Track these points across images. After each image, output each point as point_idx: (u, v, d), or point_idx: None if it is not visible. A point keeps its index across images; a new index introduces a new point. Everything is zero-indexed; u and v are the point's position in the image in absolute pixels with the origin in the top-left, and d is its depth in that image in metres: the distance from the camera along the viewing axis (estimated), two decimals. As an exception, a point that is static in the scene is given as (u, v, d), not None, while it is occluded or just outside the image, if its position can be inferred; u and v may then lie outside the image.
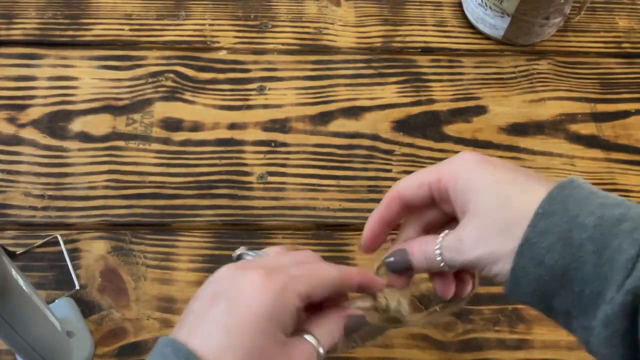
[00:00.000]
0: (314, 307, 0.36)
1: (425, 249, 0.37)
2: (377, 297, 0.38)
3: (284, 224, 0.55)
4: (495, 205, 0.34)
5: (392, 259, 0.38)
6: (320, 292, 0.35)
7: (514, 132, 0.61)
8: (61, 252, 0.52)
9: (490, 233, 0.34)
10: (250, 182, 0.56)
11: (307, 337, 0.34)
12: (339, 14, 0.68)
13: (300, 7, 0.68)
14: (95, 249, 0.52)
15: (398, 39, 0.67)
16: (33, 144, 0.57)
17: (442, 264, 0.37)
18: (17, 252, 0.51)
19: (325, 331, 0.35)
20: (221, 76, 0.63)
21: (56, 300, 0.49)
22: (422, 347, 0.49)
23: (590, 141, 0.61)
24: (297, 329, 0.35)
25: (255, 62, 0.64)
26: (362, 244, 0.41)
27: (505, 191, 0.34)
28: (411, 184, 0.38)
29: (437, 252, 0.36)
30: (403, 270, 0.38)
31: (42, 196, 0.55)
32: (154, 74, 0.62)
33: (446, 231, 0.37)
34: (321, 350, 0.34)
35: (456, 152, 0.59)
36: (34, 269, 0.51)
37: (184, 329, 0.32)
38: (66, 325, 0.46)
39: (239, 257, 0.38)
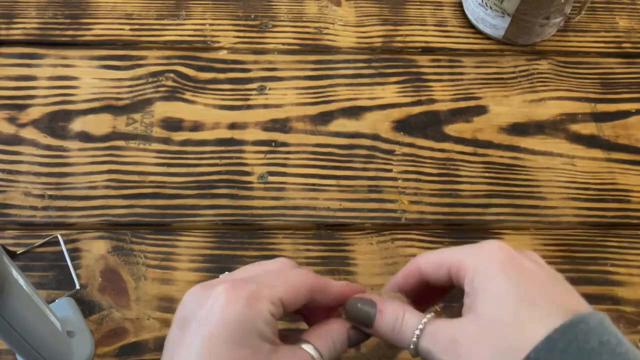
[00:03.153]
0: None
1: (402, 321, 0.34)
2: None
3: (284, 224, 0.55)
4: (506, 324, 0.31)
5: (358, 304, 0.35)
6: (295, 297, 0.33)
7: (515, 132, 0.61)
8: (61, 252, 0.52)
9: (490, 348, 0.31)
10: (251, 182, 0.56)
11: (305, 346, 0.33)
12: (339, 13, 0.68)
13: (300, 7, 0.68)
14: (96, 248, 0.52)
15: (398, 38, 0.67)
16: (33, 143, 0.57)
17: (411, 347, 0.33)
18: (18, 252, 0.51)
19: (327, 341, 0.34)
20: (221, 76, 0.63)
21: (56, 300, 0.49)
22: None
23: (591, 141, 0.61)
24: (296, 339, 0.34)
25: (255, 62, 0.64)
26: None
27: (521, 313, 0.31)
28: (432, 262, 0.35)
29: (416, 332, 0.33)
30: (359, 323, 0.35)
31: (42, 196, 0.55)
32: (154, 74, 0.62)
33: (432, 314, 0.34)
34: None
35: (457, 151, 0.60)
36: (34, 268, 0.51)
37: None
38: (66, 325, 0.46)
39: None
